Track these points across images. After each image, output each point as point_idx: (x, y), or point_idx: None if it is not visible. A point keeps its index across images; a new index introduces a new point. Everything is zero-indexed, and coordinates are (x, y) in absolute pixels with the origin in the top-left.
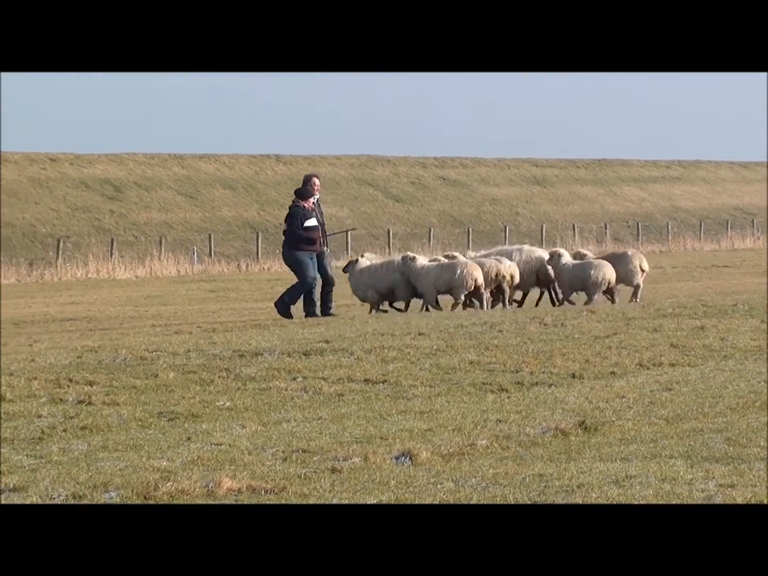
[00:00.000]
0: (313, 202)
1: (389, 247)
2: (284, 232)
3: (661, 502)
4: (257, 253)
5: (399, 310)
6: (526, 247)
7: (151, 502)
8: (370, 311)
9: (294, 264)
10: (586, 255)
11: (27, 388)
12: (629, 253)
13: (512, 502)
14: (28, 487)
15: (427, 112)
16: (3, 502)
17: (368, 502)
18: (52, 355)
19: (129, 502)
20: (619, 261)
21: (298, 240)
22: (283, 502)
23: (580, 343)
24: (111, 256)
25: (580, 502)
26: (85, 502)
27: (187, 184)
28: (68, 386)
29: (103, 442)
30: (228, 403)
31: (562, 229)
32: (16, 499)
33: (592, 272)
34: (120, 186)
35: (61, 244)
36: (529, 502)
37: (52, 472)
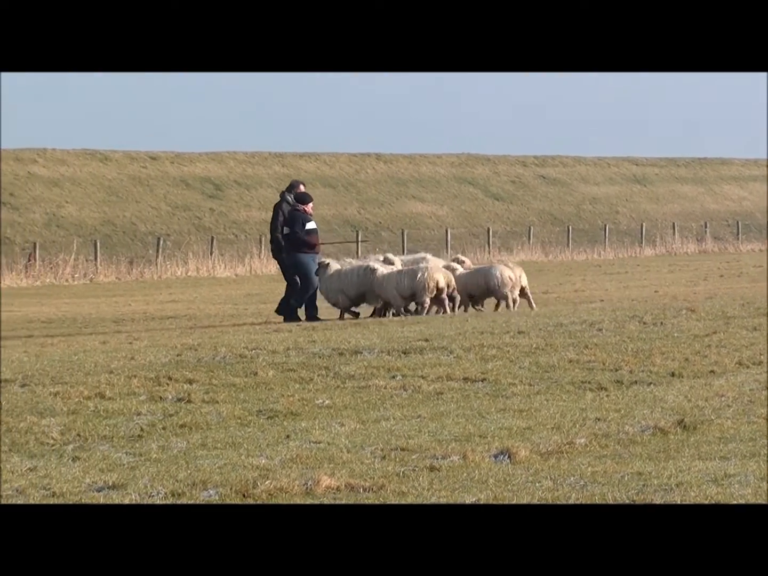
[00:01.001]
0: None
1: (489, 246)
2: (284, 237)
3: (760, 501)
4: (357, 251)
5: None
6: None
7: (249, 500)
8: (341, 316)
9: (298, 267)
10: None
11: (126, 386)
12: (493, 267)
13: (610, 501)
14: (127, 484)
15: (527, 111)
16: (102, 500)
17: (466, 501)
18: (151, 353)
19: (228, 500)
20: (485, 274)
21: (301, 243)
22: (381, 500)
23: (679, 341)
24: (211, 254)
25: (679, 501)
26: (183, 500)
27: (288, 183)
28: (168, 384)
29: (202, 440)
30: (327, 401)
31: (661, 228)
32: (115, 497)
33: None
34: (220, 184)
35: (161, 242)
36: (627, 501)
37: (151, 469)
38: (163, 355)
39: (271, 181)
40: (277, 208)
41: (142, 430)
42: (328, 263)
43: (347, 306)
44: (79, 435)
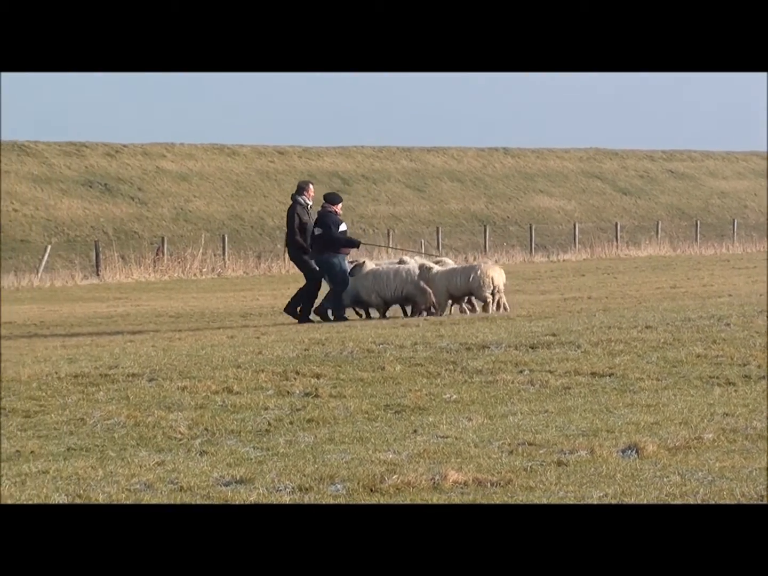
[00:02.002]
0: (310, 206)
1: (617, 240)
2: (315, 237)
3: None
4: (485, 246)
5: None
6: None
7: (377, 495)
8: (368, 316)
9: (330, 267)
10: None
11: (254, 381)
12: (478, 265)
13: (738, 496)
14: (254, 479)
15: (656, 105)
16: (230, 494)
17: (594, 495)
18: (279, 348)
19: (355, 495)
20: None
21: (336, 244)
22: (508, 494)
23: None
24: None
25: None
26: (311, 494)
27: (415, 177)
28: (295, 379)
29: (329, 435)
30: (454, 396)
31: None
32: (242, 492)
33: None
34: (348, 179)
35: None
36: (755, 496)
37: (278, 464)
38: (291, 349)
39: (399, 175)
40: (291, 211)
41: (269, 424)
42: (364, 262)
43: (380, 306)
44: (206, 429)
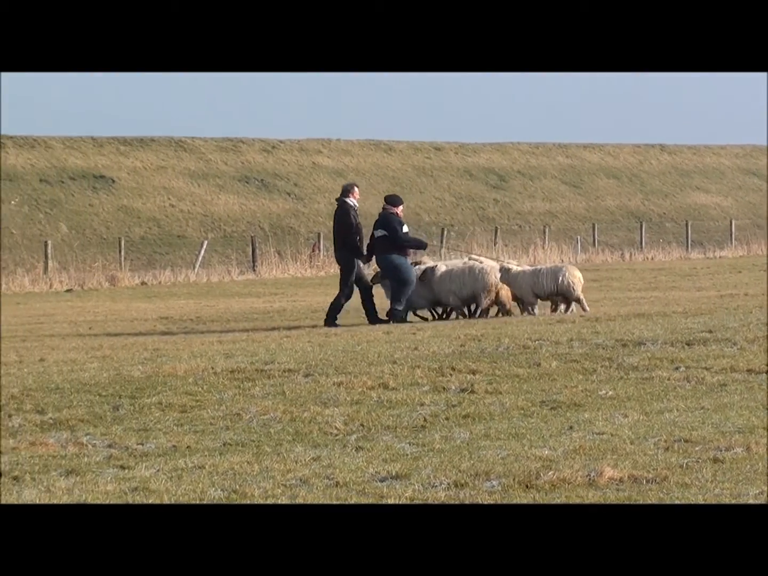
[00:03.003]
0: (357, 208)
1: None
2: (378, 239)
3: None
4: (641, 243)
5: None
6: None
7: (532, 491)
8: (447, 317)
9: (397, 269)
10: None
11: (410, 377)
12: (564, 266)
13: None
14: (410, 475)
15: None
16: (385, 490)
17: (750, 493)
18: (435, 344)
19: (510, 491)
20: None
21: (404, 245)
22: (664, 491)
23: None
24: (495, 244)
25: None
26: (466, 490)
27: (571, 174)
28: (451, 374)
29: (485, 431)
30: (610, 392)
31: None
32: (398, 487)
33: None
34: (504, 175)
35: (445, 232)
36: None
37: (434, 460)
38: (447, 345)
39: (555, 172)
40: (340, 213)
41: (425, 420)
42: (436, 265)
43: (458, 306)
44: (362, 425)
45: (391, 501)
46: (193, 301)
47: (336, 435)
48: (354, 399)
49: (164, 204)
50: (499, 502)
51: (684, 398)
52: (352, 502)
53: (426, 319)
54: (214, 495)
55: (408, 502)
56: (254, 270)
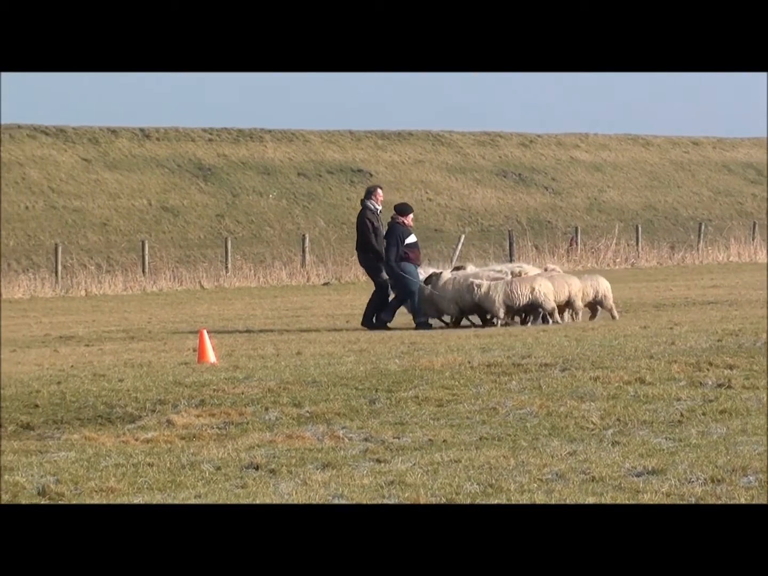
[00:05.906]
0: (380, 211)
1: None
2: (386, 248)
3: None
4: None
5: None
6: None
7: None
8: (450, 324)
9: (401, 277)
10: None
11: (667, 371)
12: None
13: None
14: (666, 470)
15: None
16: (641, 485)
17: None
18: (692, 339)
19: (767, 487)
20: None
21: (400, 258)
22: None
23: None
24: (753, 239)
25: None
26: (723, 485)
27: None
28: (708, 369)
29: (742, 426)
30: None
31: None
32: (654, 482)
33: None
34: (763, 170)
35: (703, 227)
36: None
37: (690, 455)
38: (704, 340)
39: None
40: (362, 216)
41: (681, 415)
42: (441, 272)
43: (458, 315)
44: (618, 420)
45: (647, 496)
46: None
47: (592, 429)
48: (610, 393)
49: (422, 198)
50: (756, 497)
51: None
52: (608, 496)
53: (448, 324)
54: (470, 489)
55: (664, 497)
56: (510, 263)
